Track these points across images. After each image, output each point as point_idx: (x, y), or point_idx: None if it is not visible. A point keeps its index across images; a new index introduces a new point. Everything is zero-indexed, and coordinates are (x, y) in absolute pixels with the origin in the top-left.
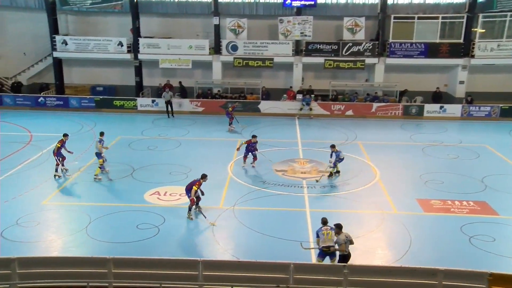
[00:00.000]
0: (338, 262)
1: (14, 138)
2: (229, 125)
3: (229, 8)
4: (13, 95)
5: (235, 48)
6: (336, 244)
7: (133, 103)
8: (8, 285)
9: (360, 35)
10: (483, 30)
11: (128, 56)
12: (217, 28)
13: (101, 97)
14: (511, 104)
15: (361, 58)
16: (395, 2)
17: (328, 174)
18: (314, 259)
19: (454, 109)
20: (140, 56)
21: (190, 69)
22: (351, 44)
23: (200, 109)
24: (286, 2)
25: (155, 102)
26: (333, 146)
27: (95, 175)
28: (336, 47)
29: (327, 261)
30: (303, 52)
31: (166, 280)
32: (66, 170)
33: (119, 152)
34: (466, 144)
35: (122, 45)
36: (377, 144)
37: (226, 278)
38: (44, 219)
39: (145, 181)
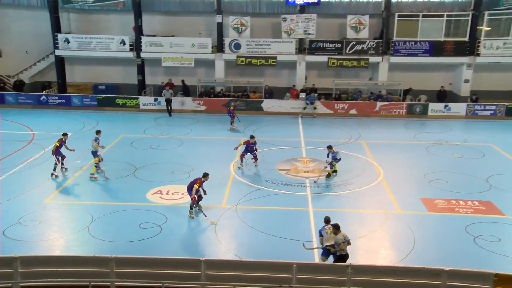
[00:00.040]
0: (334, 262)
1: (16, 136)
2: (231, 124)
3: (232, 6)
4: (15, 94)
5: (238, 46)
6: (335, 244)
7: (136, 101)
8: (10, 284)
9: (364, 34)
10: (489, 28)
11: (131, 55)
12: (219, 26)
13: (103, 95)
14: None
15: (365, 57)
16: (399, 0)
17: (326, 174)
18: (317, 259)
19: (459, 108)
20: (142, 55)
21: (193, 68)
22: (354, 42)
23: (203, 107)
24: (289, 0)
25: (157, 101)
26: (330, 147)
27: (90, 174)
28: (340, 46)
29: (331, 259)
30: (307, 51)
31: (169, 279)
32: (66, 169)
33: (121, 150)
34: (471, 143)
35: (124, 44)
36: (380, 143)
37: (228, 277)
38: (46, 218)
39: (147, 180)
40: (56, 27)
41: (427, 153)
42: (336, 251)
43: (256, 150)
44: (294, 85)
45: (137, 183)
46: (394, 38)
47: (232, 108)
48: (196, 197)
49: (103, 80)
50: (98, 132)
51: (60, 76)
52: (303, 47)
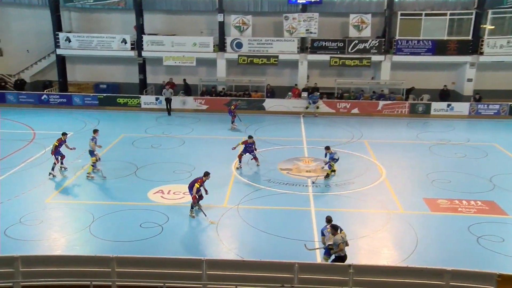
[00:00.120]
0: (333, 261)
1: (17, 136)
2: (232, 123)
3: (234, 5)
4: (16, 93)
5: (239, 45)
6: (334, 245)
7: (137, 100)
8: (11, 284)
9: (366, 32)
10: (493, 27)
11: (132, 54)
12: (221, 25)
13: (104, 94)
14: None
15: (367, 56)
16: None
17: (325, 175)
18: (319, 259)
19: (462, 107)
20: (144, 54)
21: (194, 67)
22: (357, 41)
23: (204, 107)
24: None
25: (158, 100)
26: (327, 148)
27: (87, 173)
28: (342, 45)
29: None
30: (309, 50)
31: (170, 279)
32: (65, 168)
33: (122, 150)
34: (474, 142)
35: (125, 42)
36: (383, 142)
37: (230, 277)
38: (47, 217)
39: (149, 180)
40: (57, 26)
41: (430, 153)
42: (336, 252)
43: (255, 150)
44: (296, 84)
45: (138, 183)
46: (397, 37)
47: (233, 107)
48: (197, 196)
49: (104, 79)
50: (95, 131)
51: (61, 75)
52: (305, 46)
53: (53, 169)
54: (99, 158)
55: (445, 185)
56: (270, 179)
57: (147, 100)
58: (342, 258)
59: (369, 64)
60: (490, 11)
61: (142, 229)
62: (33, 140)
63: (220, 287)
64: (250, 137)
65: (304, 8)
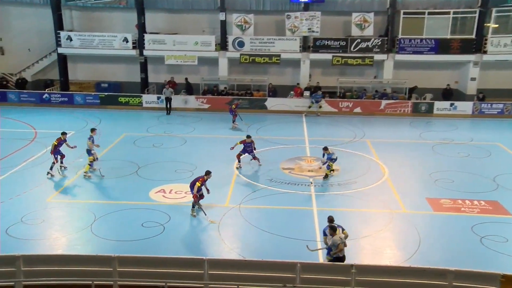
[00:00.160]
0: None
1: (19, 135)
2: (233, 122)
3: (236, 3)
4: (18, 92)
5: (241, 44)
6: (333, 246)
7: (138, 100)
8: (13, 283)
9: (369, 31)
10: (496, 25)
11: (134, 52)
12: (223, 24)
13: (106, 93)
14: None
15: (370, 55)
16: None
17: (324, 176)
18: (321, 259)
19: (465, 107)
20: (145, 52)
21: (196, 66)
22: (359, 40)
23: (206, 106)
24: None
25: (160, 99)
26: (325, 149)
27: (84, 172)
28: (344, 43)
29: None
30: (311, 49)
31: (171, 279)
32: (65, 168)
33: (124, 149)
34: (477, 142)
35: (127, 41)
36: (385, 142)
37: (232, 277)
38: (49, 216)
39: (150, 179)
40: (58, 25)
41: (432, 152)
42: (335, 253)
43: (254, 149)
44: (298, 83)
45: (140, 182)
46: (400, 36)
47: (234, 106)
48: (198, 195)
49: (105, 78)
50: (92, 130)
51: (63, 74)
52: (307, 45)
53: (51, 168)
54: (97, 158)
55: (448, 185)
56: (272, 179)
57: (148, 99)
58: (341, 259)
59: (371, 63)
60: (494, 10)
61: (143, 229)
62: (35, 139)
63: (222, 287)
64: (248, 136)
65: (306, 6)
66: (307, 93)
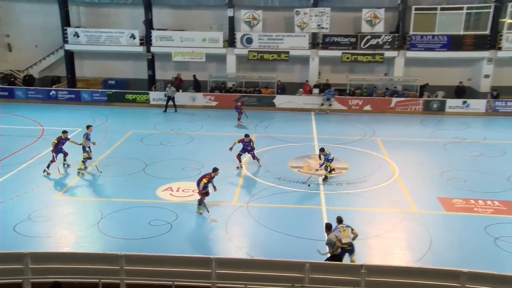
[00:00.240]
0: (328, 260)
1: (26, 132)
2: (238, 120)
3: None
4: (25, 89)
5: (249, 41)
6: (329, 245)
7: (146, 97)
8: (21, 280)
9: (379, 28)
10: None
11: (141, 49)
12: (231, 20)
13: (113, 90)
14: None
15: (380, 51)
16: None
17: (323, 177)
18: None
19: (478, 104)
20: (152, 49)
21: (204, 63)
22: (369, 36)
23: (214, 103)
24: None
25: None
26: (322, 150)
27: (78, 169)
28: (354, 40)
29: (346, 258)
30: (320, 45)
31: (179, 277)
32: (68, 165)
33: (131, 147)
34: (491, 140)
35: (134, 38)
36: (396, 140)
37: (239, 276)
38: (56, 214)
39: (158, 177)
40: (65, 21)
41: (444, 151)
42: (332, 252)
43: (254, 149)
44: (307, 81)
45: (147, 180)
46: (411, 32)
47: (239, 104)
48: (203, 192)
49: (113, 75)
50: (88, 127)
51: (70, 71)
52: (316, 42)
53: (48, 166)
54: (91, 157)
55: (461, 184)
56: (280, 177)
57: (156, 96)
58: (337, 256)
59: (382, 60)
60: (509, 4)
61: (151, 227)
62: (42, 136)
63: (230, 286)
64: (246, 135)
65: (316, 2)
66: (316, 91)
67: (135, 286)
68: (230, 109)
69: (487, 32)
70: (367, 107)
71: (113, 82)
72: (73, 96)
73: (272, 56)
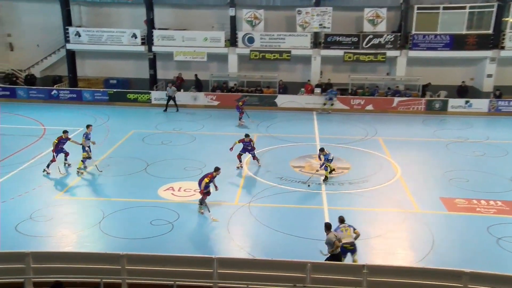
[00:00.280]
0: (327, 260)
1: (28, 131)
2: (239, 119)
3: None
4: (27, 88)
5: (251, 40)
6: (328, 245)
7: (147, 96)
8: (22, 279)
9: (381, 27)
10: None
11: (142, 48)
12: (233, 19)
13: (114, 90)
14: None
15: (382, 51)
16: None
17: (323, 178)
18: None
19: (481, 104)
20: (154, 49)
21: (205, 62)
22: (371, 36)
23: (216, 103)
24: None
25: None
26: (322, 150)
27: (77, 168)
28: (356, 39)
29: (348, 257)
30: (322, 45)
31: (180, 277)
32: (69, 165)
33: (132, 146)
34: (493, 140)
35: (136, 37)
36: (398, 140)
37: (241, 276)
38: (58, 214)
39: (159, 176)
40: (67, 20)
41: (447, 151)
42: (332, 251)
43: (254, 148)
44: (309, 80)
45: (149, 179)
46: (413, 32)
47: (241, 103)
48: (205, 192)
49: (114, 74)
50: (87, 126)
51: (71, 70)
52: (318, 41)
53: (48, 166)
54: (90, 157)
55: (463, 184)
56: (282, 177)
57: (157, 95)
58: (337, 256)
59: (384, 59)
60: None
61: (152, 227)
62: (43, 136)
63: (231, 286)
64: (246, 135)
65: (318, 2)
66: (317, 90)
67: (136, 286)
68: (231, 109)
69: (490, 31)
70: (369, 107)
71: (114, 81)
72: (74, 95)
73: (274, 56)
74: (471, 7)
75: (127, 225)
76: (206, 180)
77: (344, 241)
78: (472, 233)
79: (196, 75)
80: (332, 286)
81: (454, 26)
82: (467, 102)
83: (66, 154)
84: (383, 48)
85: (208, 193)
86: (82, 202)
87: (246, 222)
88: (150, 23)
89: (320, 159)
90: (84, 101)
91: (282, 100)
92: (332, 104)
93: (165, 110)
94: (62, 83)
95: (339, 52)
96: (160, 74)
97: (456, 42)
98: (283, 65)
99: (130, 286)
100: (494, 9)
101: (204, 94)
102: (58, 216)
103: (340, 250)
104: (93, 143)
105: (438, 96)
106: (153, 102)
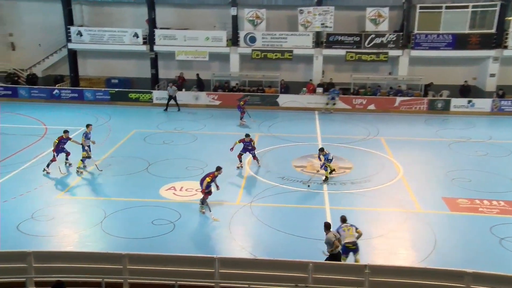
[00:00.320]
0: (326, 260)
1: (29, 131)
2: (240, 119)
3: None
4: (28, 88)
5: (253, 39)
6: (328, 244)
7: (149, 96)
8: (24, 279)
9: (384, 26)
10: None
11: (144, 48)
12: (234, 19)
13: (116, 89)
14: None
15: (384, 50)
16: None
17: (324, 178)
18: None
19: (484, 104)
20: (156, 48)
21: (207, 62)
22: (374, 35)
23: (217, 102)
24: None
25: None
26: (321, 150)
27: (77, 167)
28: (358, 39)
29: (351, 258)
30: (324, 44)
31: (182, 277)
32: (70, 164)
33: (134, 146)
34: (496, 140)
35: (137, 37)
36: (400, 139)
37: (243, 276)
38: (59, 213)
39: (161, 176)
40: (68, 20)
41: (449, 150)
42: (332, 251)
43: (254, 148)
44: (311, 80)
45: (150, 179)
46: (415, 31)
47: (242, 103)
48: (206, 191)
49: (116, 74)
50: (87, 126)
51: (73, 70)
52: (320, 41)
53: (48, 165)
54: (90, 156)
55: (466, 184)
56: (283, 177)
57: (159, 95)
58: (336, 256)
59: (386, 59)
60: None
61: (154, 226)
62: (45, 135)
63: (233, 285)
64: (247, 135)
65: (320, 1)
66: (319, 90)
67: (138, 286)
68: (233, 108)
69: (493, 30)
70: (371, 106)
71: (116, 81)
72: (76, 95)
73: (276, 55)
74: (473, 6)
75: (129, 225)
76: (208, 179)
77: (346, 240)
78: (475, 233)
79: (198, 75)
80: (334, 286)
81: (457, 25)
82: (469, 101)
83: (68, 153)
84: (385, 48)
85: (209, 193)
86: (84, 202)
87: (247, 222)
88: (152, 23)
89: (320, 159)
90: (85, 101)
91: (284, 99)
92: (334, 104)
93: (166, 110)
94: (64, 82)
95: (341, 52)
96: (162, 74)
97: (459, 41)
98: (285, 64)
99: (131, 286)
100: (497, 8)
101: (206, 94)
102: (59, 216)
103: (339, 250)
104: (93, 142)
105: (441, 95)
106: (155, 101)
